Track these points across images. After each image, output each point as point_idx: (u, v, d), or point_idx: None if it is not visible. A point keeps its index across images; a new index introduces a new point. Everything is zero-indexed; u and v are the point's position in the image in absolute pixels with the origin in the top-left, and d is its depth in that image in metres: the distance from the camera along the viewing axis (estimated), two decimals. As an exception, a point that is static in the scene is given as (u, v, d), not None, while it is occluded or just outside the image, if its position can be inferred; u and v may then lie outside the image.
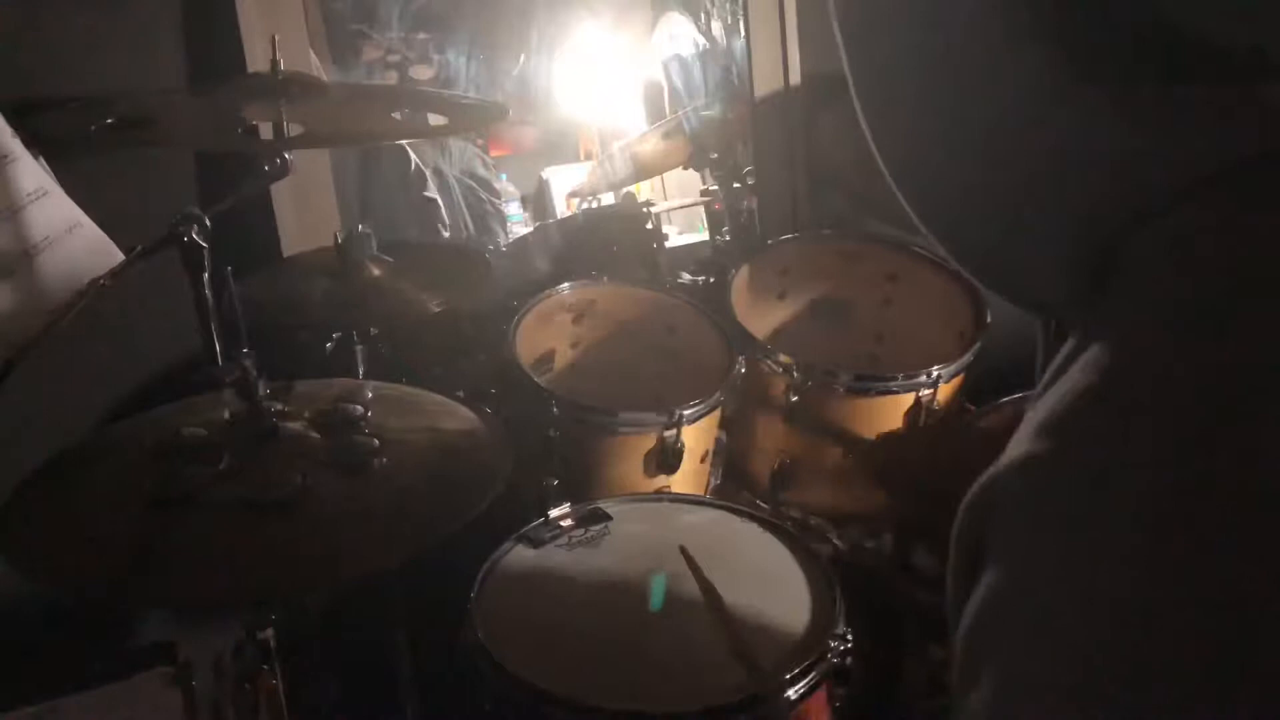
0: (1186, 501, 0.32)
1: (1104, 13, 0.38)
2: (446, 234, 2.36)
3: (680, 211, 2.60)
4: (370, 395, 1.25)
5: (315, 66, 1.90)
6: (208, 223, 1.09)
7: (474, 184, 2.48)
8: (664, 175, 2.55)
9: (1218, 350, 0.34)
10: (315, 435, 1.16)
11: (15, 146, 1.23)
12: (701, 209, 2.37)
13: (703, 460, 1.69)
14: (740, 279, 1.89)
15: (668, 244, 2.12)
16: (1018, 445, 0.37)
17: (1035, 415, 0.37)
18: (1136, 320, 0.37)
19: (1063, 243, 0.42)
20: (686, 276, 2.13)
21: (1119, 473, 0.33)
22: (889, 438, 1.70)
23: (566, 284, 1.79)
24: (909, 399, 1.68)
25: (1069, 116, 0.39)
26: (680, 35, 2.58)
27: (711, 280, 2.04)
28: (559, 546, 1.37)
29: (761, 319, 1.90)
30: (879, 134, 0.48)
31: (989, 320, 1.73)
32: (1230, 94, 0.37)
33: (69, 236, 1.25)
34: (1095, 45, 0.38)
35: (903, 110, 0.46)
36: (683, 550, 1.32)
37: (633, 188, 2.41)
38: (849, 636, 1.21)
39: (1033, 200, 0.42)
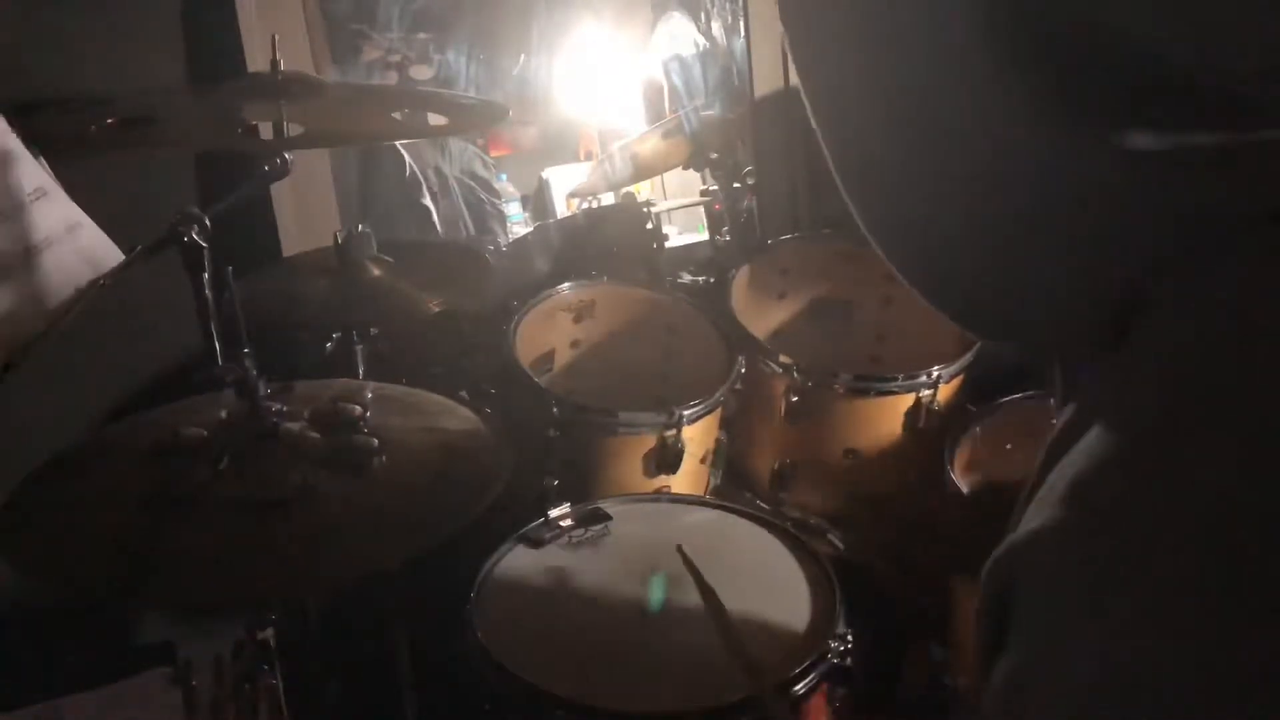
0: (1225, 583, 0.30)
1: (1100, 58, 0.35)
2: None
3: (680, 211, 2.60)
4: (370, 395, 1.25)
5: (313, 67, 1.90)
6: (208, 223, 1.09)
7: (474, 184, 2.47)
8: (664, 175, 2.55)
9: (1251, 415, 0.32)
10: (315, 435, 1.16)
11: (15, 146, 1.22)
12: (701, 209, 2.37)
13: (703, 460, 1.69)
14: (740, 279, 1.89)
15: (668, 244, 2.11)
16: (1042, 510, 0.35)
17: (1060, 477, 0.36)
18: (1159, 380, 0.36)
19: (1079, 293, 0.40)
20: (686, 276, 2.13)
21: (1151, 549, 0.32)
22: (887, 445, 1.71)
23: (566, 284, 1.79)
24: (909, 399, 1.68)
25: (1067, 167, 0.37)
26: (680, 35, 2.58)
27: (711, 280, 2.04)
28: (559, 546, 1.37)
29: (761, 319, 1.90)
30: (860, 195, 0.45)
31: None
32: (1240, 142, 0.35)
33: (69, 236, 1.24)
34: (1091, 93, 0.36)
35: (890, 170, 0.43)
36: (680, 550, 1.31)
37: (633, 188, 2.41)
38: (849, 636, 1.21)
39: (1033, 253, 0.40)
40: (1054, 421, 0.39)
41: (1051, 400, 0.46)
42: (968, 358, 1.70)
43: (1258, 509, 0.31)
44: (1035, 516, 0.36)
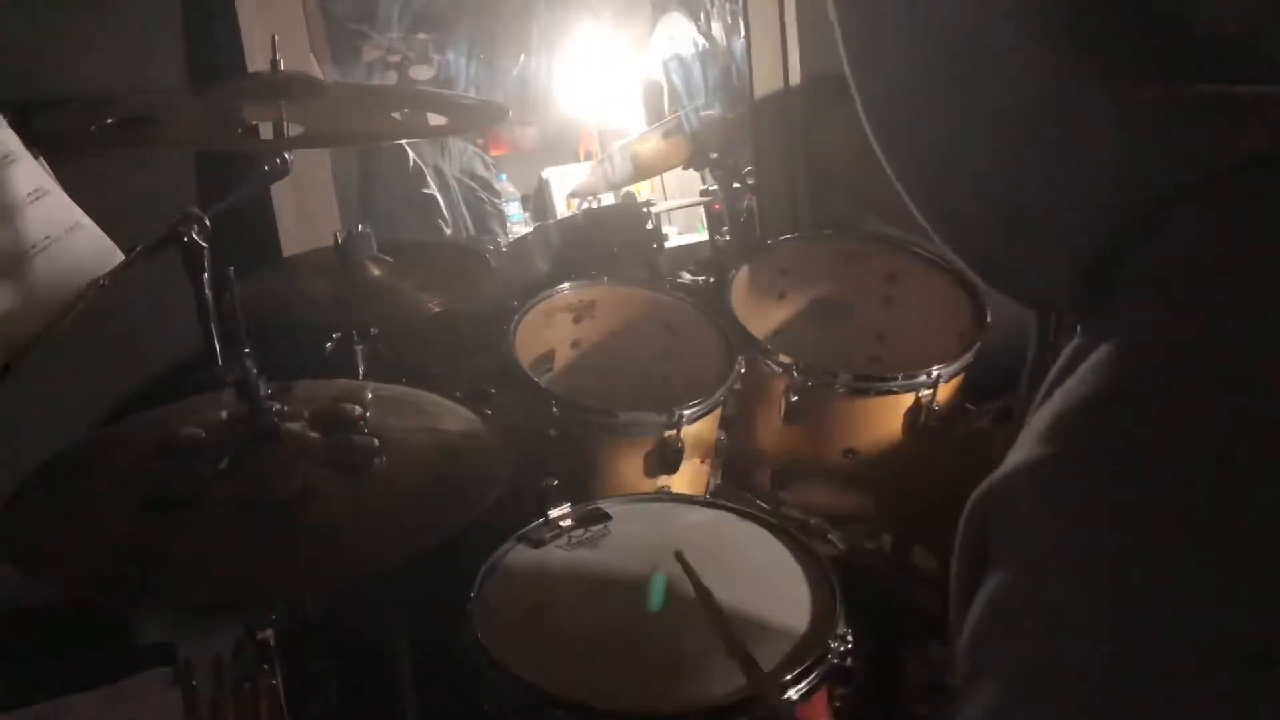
0: (1207, 501, 0.31)
1: (1108, 9, 0.37)
2: (448, 230, 2.36)
3: (680, 211, 2.60)
4: (370, 395, 1.25)
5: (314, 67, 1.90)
6: (208, 223, 1.09)
7: (474, 184, 2.48)
8: (664, 175, 2.55)
9: (1232, 352, 0.33)
10: (315, 435, 1.16)
11: (15, 146, 1.22)
12: (701, 209, 2.37)
13: (703, 460, 1.69)
14: (740, 279, 1.89)
15: (668, 244, 2.12)
16: (1025, 447, 0.37)
17: (1042, 417, 0.37)
18: (1147, 320, 0.37)
19: (1068, 241, 0.42)
20: (686, 276, 2.13)
21: (1135, 474, 0.33)
22: (887, 445, 1.71)
23: (566, 284, 1.79)
24: (909, 399, 1.68)
25: (1074, 117, 0.39)
26: (680, 35, 2.58)
27: (711, 280, 2.04)
28: (559, 546, 1.37)
29: (761, 319, 1.90)
30: (883, 138, 0.48)
31: (989, 320, 1.73)
32: (1237, 92, 0.36)
33: (69, 236, 1.24)
34: (1099, 43, 0.38)
35: (907, 114, 0.46)
36: (679, 556, 1.31)
37: (633, 188, 2.41)
38: (849, 636, 1.21)
39: (1039, 200, 0.42)
40: (1029, 378, 0.41)
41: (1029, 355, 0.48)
42: (967, 358, 1.70)
43: (1239, 459, 0.32)
44: (1015, 454, 0.37)
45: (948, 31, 0.42)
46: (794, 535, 1.40)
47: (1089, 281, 0.41)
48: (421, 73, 2.39)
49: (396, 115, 1.59)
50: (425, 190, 2.31)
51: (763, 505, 1.74)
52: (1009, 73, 0.40)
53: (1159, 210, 0.38)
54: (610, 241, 2.00)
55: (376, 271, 1.57)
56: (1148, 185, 0.38)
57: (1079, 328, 0.41)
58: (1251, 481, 0.31)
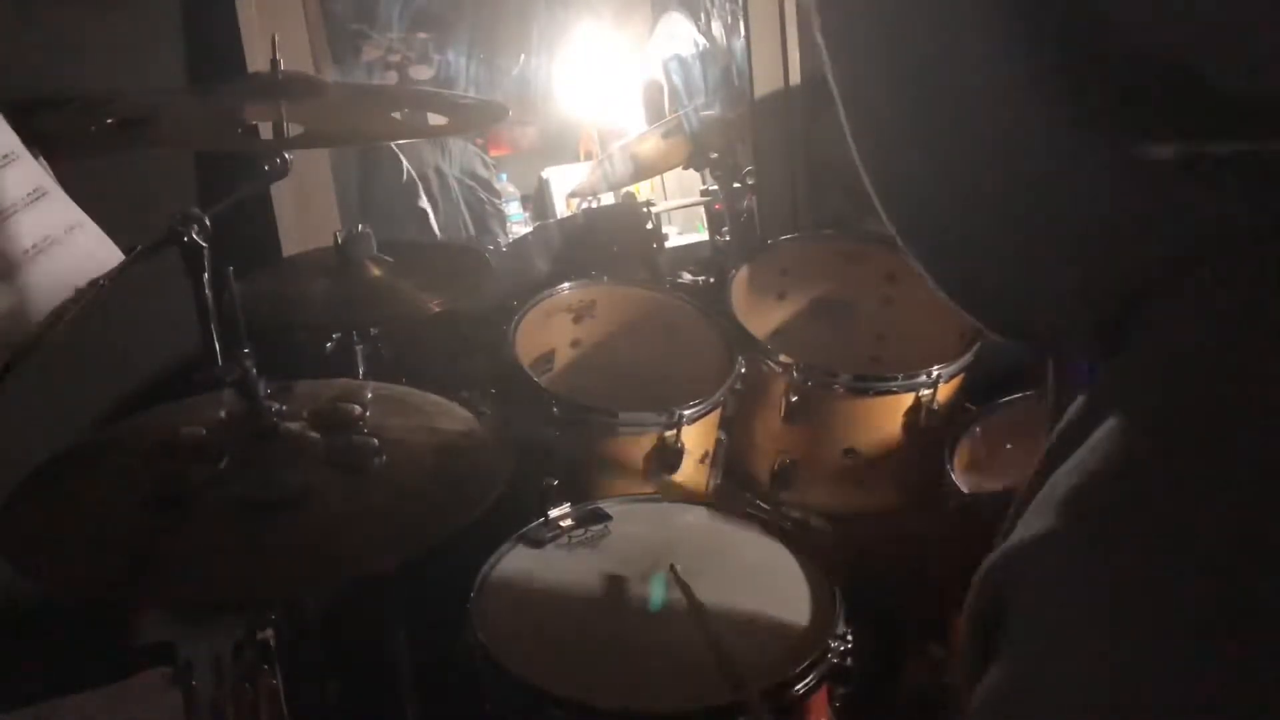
0: (1234, 599, 0.30)
1: (1120, 64, 0.36)
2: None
3: (680, 211, 2.60)
4: (370, 395, 1.25)
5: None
6: (208, 223, 1.09)
7: (474, 184, 2.48)
8: (664, 175, 2.55)
9: (1256, 437, 0.32)
10: (314, 435, 1.16)
11: (15, 146, 1.22)
12: (701, 209, 2.37)
13: (703, 460, 1.69)
14: (740, 279, 1.88)
15: (668, 244, 2.12)
16: (1040, 518, 0.35)
17: (1059, 485, 0.35)
18: (1162, 390, 0.35)
19: (1087, 294, 0.40)
20: (686, 276, 2.13)
21: (1161, 561, 0.31)
22: (887, 445, 1.71)
23: (566, 284, 1.79)
24: (909, 399, 1.68)
25: (1102, 174, 0.38)
26: (680, 35, 2.58)
27: (711, 280, 2.04)
28: (559, 547, 1.37)
29: (761, 319, 1.90)
30: (885, 193, 0.46)
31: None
32: (1254, 152, 0.35)
33: (69, 236, 1.24)
34: (1111, 100, 0.36)
35: (911, 169, 0.44)
36: (673, 570, 1.30)
37: (633, 188, 2.41)
38: (849, 636, 1.21)
39: (1048, 254, 0.41)
40: (1050, 424, 0.39)
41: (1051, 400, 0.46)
42: (967, 358, 1.70)
43: (1260, 536, 0.30)
44: (1031, 523, 0.35)
45: (954, 88, 0.40)
46: (794, 535, 1.40)
47: (1103, 334, 0.39)
48: (421, 73, 2.39)
49: (396, 115, 1.59)
50: (419, 204, 2.31)
51: (762, 505, 1.74)
52: (1020, 130, 0.39)
53: (1179, 268, 0.37)
54: (610, 241, 2.00)
55: (376, 271, 1.57)
56: (1165, 244, 0.37)
57: (1087, 382, 0.40)
58: (1276, 571, 0.30)
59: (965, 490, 1.56)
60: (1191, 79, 0.35)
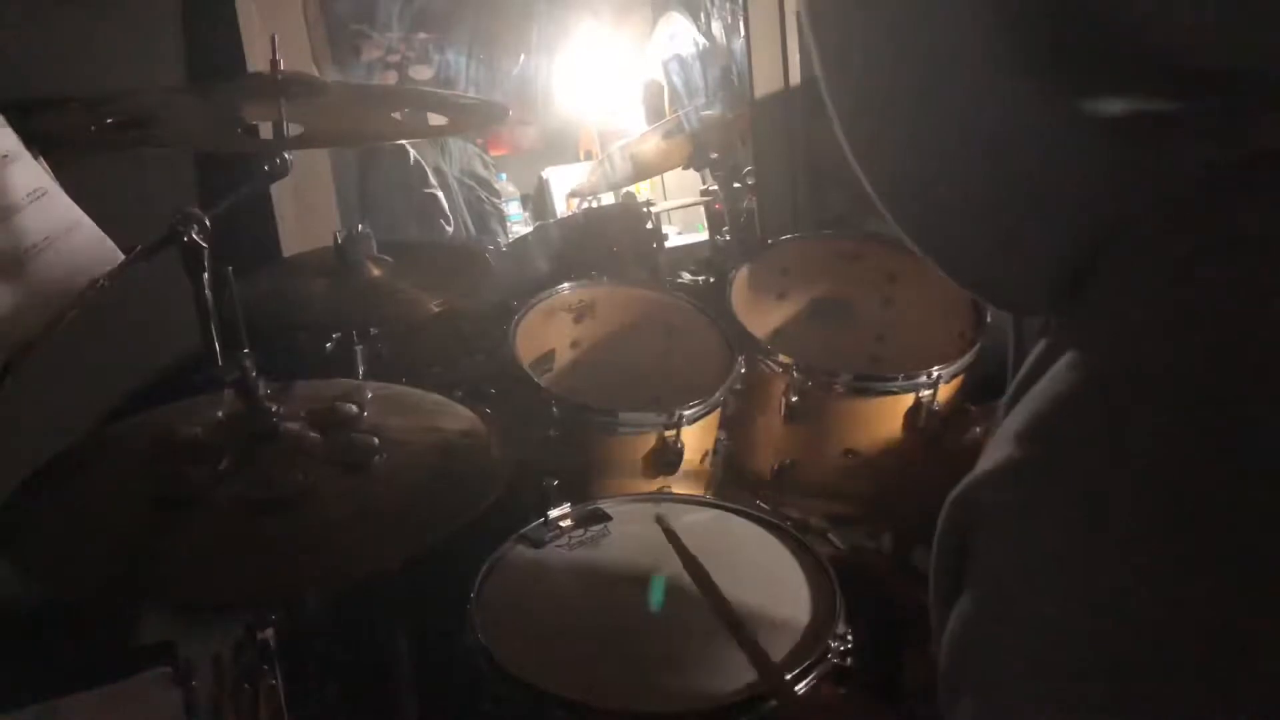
0: (1183, 505, 0.32)
1: (1070, 25, 0.37)
2: (450, 229, 2.36)
3: (680, 211, 2.60)
4: (369, 395, 1.25)
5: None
6: (208, 223, 1.09)
7: (474, 184, 2.48)
8: (664, 175, 2.55)
9: (1206, 354, 0.34)
10: (314, 435, 1.16)
11: (15, 146, 1.22)
12: (701, 209, 2.37)
13: (703, 460, 1.69)
14: (740, 279, 1.89)
15: (668, 244, 2.12)
16: (999, 448, 0.37)
17: (1016, 417, 0.37)
18: (1120, 323, 0.37)
19: (1046, 248, 0.42)
20: (686, 276, 2.13)
21: (1112, 478, 0.33)
22: (887, 445, 1.71)
23: (566, 284, 1.79)
24: (909, 399, 1.68)
25: (1054, 134, 0.39)
26: (680, 35, 2.58)
27: (711, 280, 2.04)
28: (559, 547, 1.37)
29: (761, 319, 1.90)
30: (864, 156, 0.48)
31: (989, 320, 1.73)
32: (1204, 109, 0.37)
33: (69, 236, 1.24)
34: (1060, 58, 0.38)
35: (889, 135, 0.46)
36: (659, 519, 1.30)
37: (633, 188, 2.42)
38: (849, 636, 1.21)
39: (1018, 209, 0.42)
40: (1011, 376, 0.41)
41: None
42: (968, 358, 1.70)
43: (1206, 462, 0.32)
44: (990, 455, 0.37)
45: (931, 60, 0.42)
46: (794, 535, 1.40)
47: (1064, 283, 0.41)
48: (421, 72, 2.39)
49: (396, 115, 1.59)
50: (427, 189, 2.31)
51: (763, 505, 1.74)
52: (992, 95, 0.40)
53: (1136, 218, 0.38)
54: (610, 241, 2.00)
55: (376, 271, 1.57)
56: (1125, 195, 0.38)
57: (1050, 328, 0.41)
58: (1232, 483, 0.31)
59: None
60: (1138, 41, 0.36)
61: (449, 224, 2.36)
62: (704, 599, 1.25)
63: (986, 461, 0.37)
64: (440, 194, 2.33)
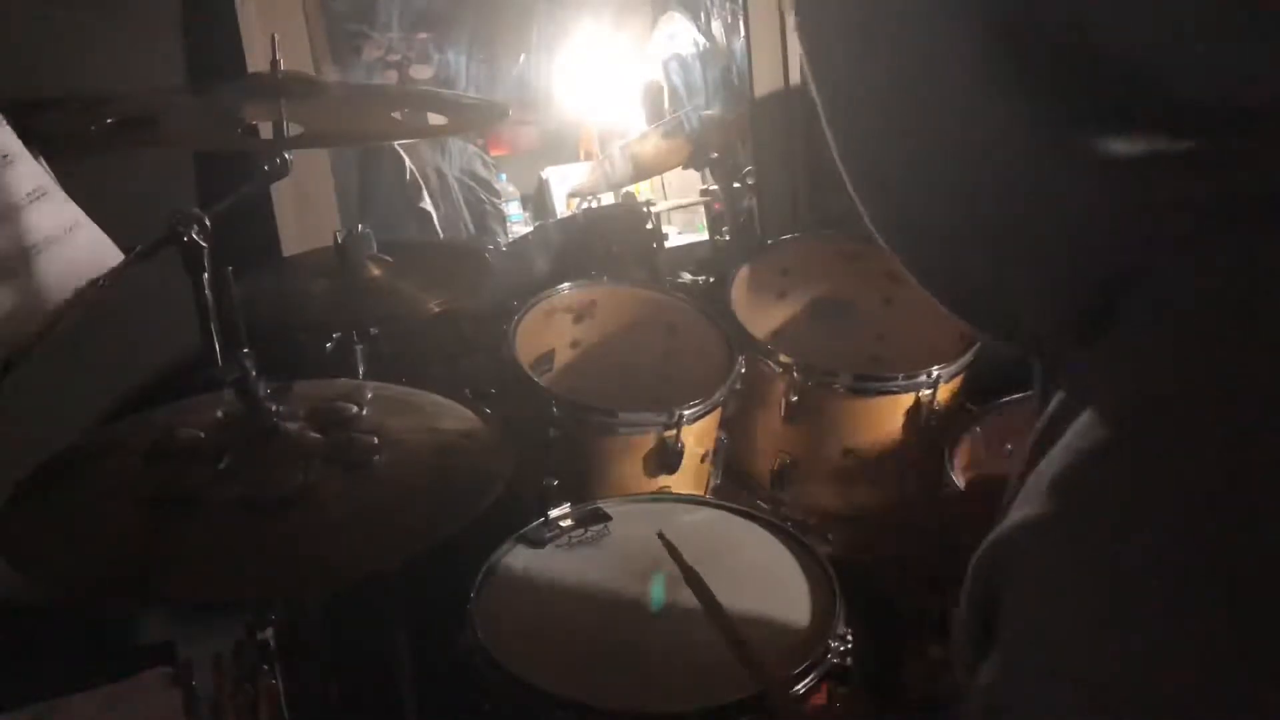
0: (1211, 560, 0.31)
1: (1082, 64, 0.37)
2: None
3: (680, 211, 2.60)
4: (370, 395, 1.25)
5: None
6: (208, 223, 1.09)
7: (474, 184, 2.48)
8: (664, 175, 2.55)
9: (1230, 404, 0.33)
10: (314, 434, 1.16)
11: (15, 146, 1.22)
12: (701, 209, 2.37)
13: (703, 460, 1.69)
14: (740, 279, 1.89)
15: (668, 244, 2.11)
16: (1029, 503, 0.36)
17: (1044, 471, 0.36)
18: (1139, 375, 0.36)
19: (1049, 293, 0.41)
20: (686, 276, 2.13)
21: (1137, 529, 0.32)
22: (887, 445, 1.71)
23: (566, 284, 1.79)
24: (909, 399, 1.68)
25: (1048, 172, 0.39)
26: (680, 35, 2.58)
27: (711, 280, 2.04)
28: (559, 547, 1.37)
29: (761, 319, 1.90)
30: (866, 194, 0.47)
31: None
32: (1212, 148, 0.36)
33: (69, 236, 1.24)
34: (1070, 98, 0.37)
35: (890, 171, 0.45)
36: (661, 535, 1.30)
37: (633, 188, 2.41)
38: (849, 636, 1.21)
39: (1017, 252, 0.42)
40: (1037, 419, 0.40)
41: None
42: (967, 358, 1.70)
43: (1235, 504, 0.31)
44: (1020, 509, 0.36)
45: (929, 93, 0.41)
46: (794, 535, 1.40)
47: (1080, 327, 0.40)
48: (421, 72, 2.39)
49: (396, 115, 1.59)
50: (420, 205, 2.31)
51: (763, 505, 1.74)
52: (993, 133, 0.40)
53: (1153, 261, 0.37)
54: (610, 241, 1.99)
55: (376, 271, 1.56)
56: (1133, 239, 0.38)
57: (1063, 374, 0.40)
58: (1259, 539, 0.31)
59: (963, 486, 1.56)
60: (1151, 81, 0.36)
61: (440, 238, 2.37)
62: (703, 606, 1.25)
63: (1017, 514, 0.36)
64: (433, 212, 2.33)
